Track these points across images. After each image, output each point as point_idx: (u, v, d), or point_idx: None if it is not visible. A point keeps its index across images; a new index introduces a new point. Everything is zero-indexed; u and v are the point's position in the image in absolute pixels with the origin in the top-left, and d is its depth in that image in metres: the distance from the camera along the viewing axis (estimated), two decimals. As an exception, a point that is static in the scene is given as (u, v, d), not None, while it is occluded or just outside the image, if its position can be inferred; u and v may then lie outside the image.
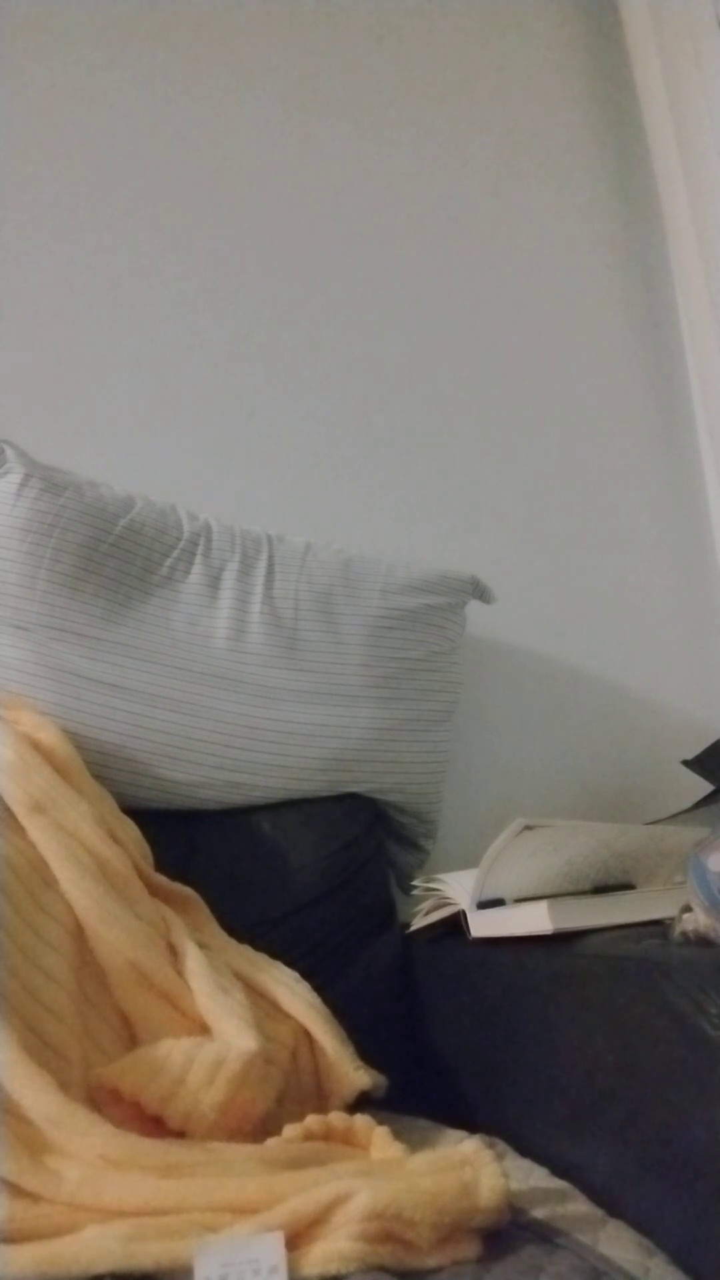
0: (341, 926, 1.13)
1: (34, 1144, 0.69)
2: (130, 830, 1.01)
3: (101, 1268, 0.59)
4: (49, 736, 1.02)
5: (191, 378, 1.48)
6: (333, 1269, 0.59)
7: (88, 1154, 0.69)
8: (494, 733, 1.48)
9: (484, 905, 0.94)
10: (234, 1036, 0.83)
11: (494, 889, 0.93)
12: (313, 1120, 0.78)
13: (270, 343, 1.52)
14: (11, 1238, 0.63)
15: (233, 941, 1.01)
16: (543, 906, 0.84)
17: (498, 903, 0.93)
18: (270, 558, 1.21)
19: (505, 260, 1.66)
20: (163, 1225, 0.62)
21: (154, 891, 0.98)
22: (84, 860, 0.90)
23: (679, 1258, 0.65)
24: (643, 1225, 0.68)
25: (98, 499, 1.15)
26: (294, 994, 0.96)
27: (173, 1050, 0.81)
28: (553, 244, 1.69)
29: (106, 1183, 0.66)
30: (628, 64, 1.66)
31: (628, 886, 0.93)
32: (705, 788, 1.00)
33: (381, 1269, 0.60)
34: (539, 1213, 0.69)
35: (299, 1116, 0.79)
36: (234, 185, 1.55)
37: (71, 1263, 0.59)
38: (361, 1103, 0.91)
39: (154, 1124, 0.78)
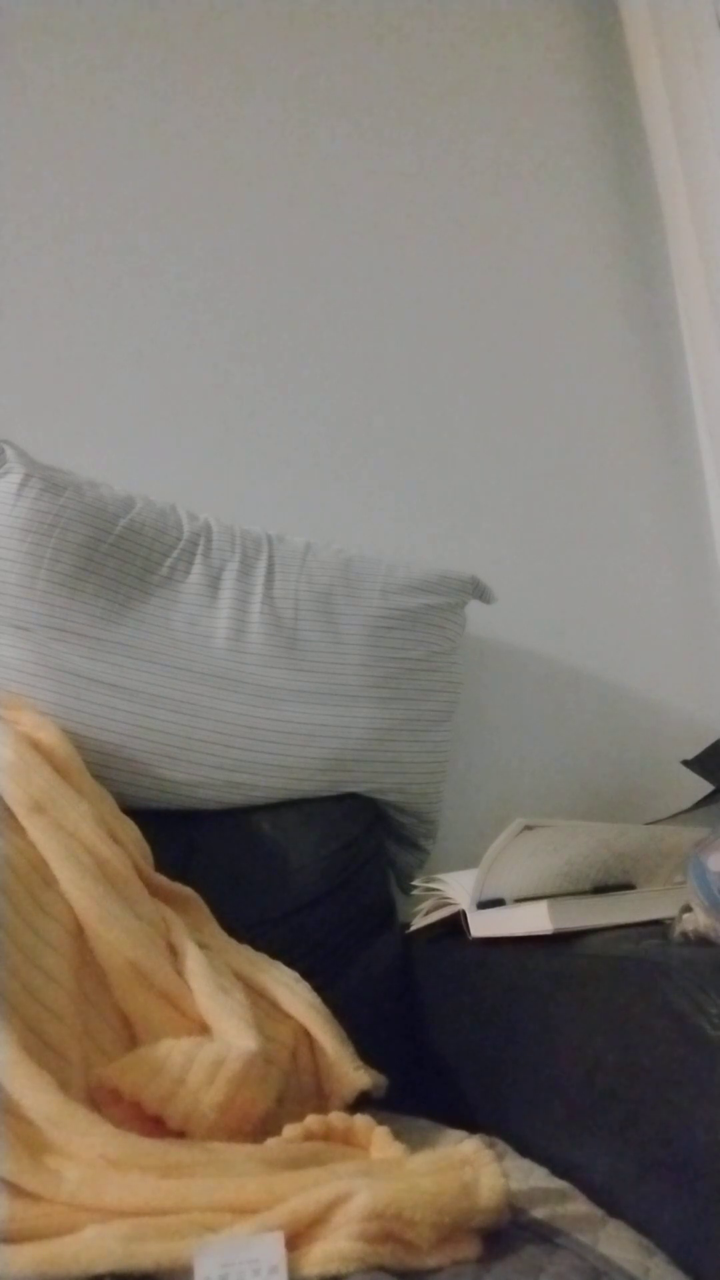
0: (341, 926, 1.13)
1: (34, 1144, 0.69)
2: (130, 830, 1.01)
3: (101, 1268, 0.59)
4: (49, 736, 1.02)
5: (191, 378, 1.48)
6: (333, 1269, 0.59)
7: (88, 1154, 0.68)
8: (494, 733, 1.48)
9: (484, 905, 0.94)
10: (234, 1036, 0.83)
11: (494, 889, 0.93)
12: (313, 1120, 0.78)
13: (270, 343, 1.52)
14: (11, 1238, 0.63)
15: (233, 941, 1.01)
16: (543, 906, 0.84)
17: (498, 903, 0.93)
18: (270, 558, 1.21)
19: (505, 260, 1.66)
20: (163, 1225, 0.62)
21: (154, 891, 0.98)
22: (84, 860, 0.90)
23: (679, 1258, 0.65)
24: (643, 1225, 0.68)
25: (98, 499, 1.15)
26: (294, 994, 0.96)
27: (173, 1050, 0.81)
28: (553, 244, 1.69)
29: (106, 1183, 0.66)
30: (628, 64, 1.66)
31: (628, 886, 0.92)
32: (705, 788, 1.00)
33: (381, 1269, 0.60)
34: (539, 1213, 0.69)
35: (299, 1116, 0.79)
36: (234, 185, 1.55)
37: (71, 1263, 0.59)
38: (361, 1103, 0.91)
39: (154, 1124, 0.78)
